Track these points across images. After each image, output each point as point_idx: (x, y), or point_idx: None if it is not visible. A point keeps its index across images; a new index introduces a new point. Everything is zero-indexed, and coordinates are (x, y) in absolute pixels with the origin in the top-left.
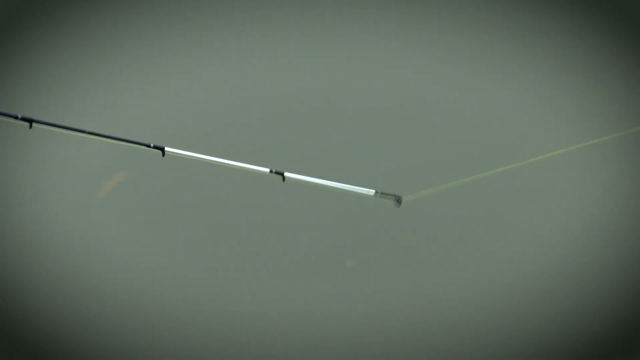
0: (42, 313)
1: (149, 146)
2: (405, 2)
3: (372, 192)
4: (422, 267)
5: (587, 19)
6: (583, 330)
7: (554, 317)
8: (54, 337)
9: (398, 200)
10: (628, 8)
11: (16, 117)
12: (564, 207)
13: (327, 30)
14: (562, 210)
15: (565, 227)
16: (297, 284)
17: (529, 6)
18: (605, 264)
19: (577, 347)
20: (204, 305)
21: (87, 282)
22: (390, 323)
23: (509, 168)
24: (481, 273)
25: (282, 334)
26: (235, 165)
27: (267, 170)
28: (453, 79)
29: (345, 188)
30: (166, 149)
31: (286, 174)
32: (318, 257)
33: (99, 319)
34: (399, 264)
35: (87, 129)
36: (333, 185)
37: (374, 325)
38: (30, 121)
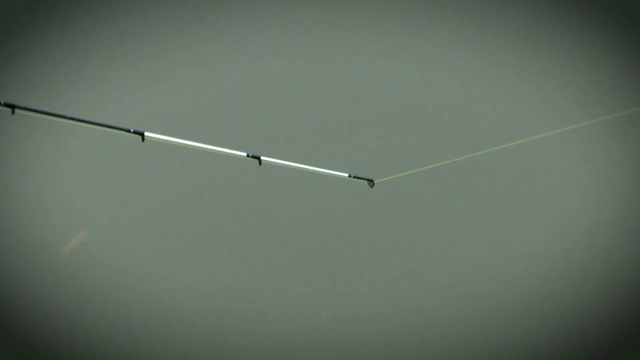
0: (40, 313)
1: (129, 131)
2: None
3: (345, 175)
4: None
5: (582, 13)
6: (578, 332)
7: (550, 319)
8: (47, 336)
9: (371, 183)
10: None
11: None
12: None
13: (303, 20)
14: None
15: (561, 227)
16: (272, 266)
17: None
18: (603, 263)
19: (574, 348)
20: (185, 290)
21: (84, 281)
22: (363, 311)
23: (482, 153)
24: (469, 267)
25: (259, 320)
26: (213, 150)
27: (244, 154)
28: (434, 63)
29: (320, 171)
30: (146, 134)
31: (262, 157)
32: (295, 241)
33: (95, 318)
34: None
35: (69, 115)
36: (309, 169)
37: (347, 312)
38: (12, 107)
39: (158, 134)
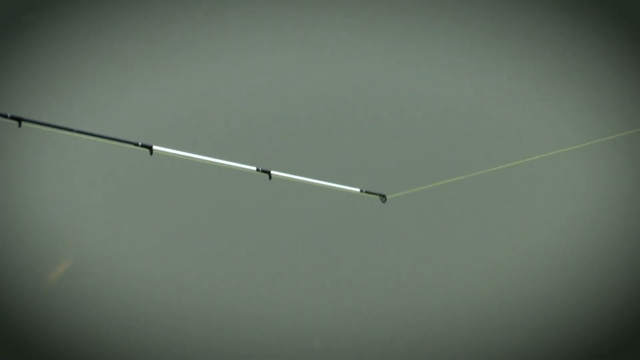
0: (38, 314)
1: (137, 145)
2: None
3: (357, 190)
4: (414, 267)
5: (588, 18)
6: (578, 336)
7: (548, 321)
8: (45, 337)
9: (383, 198)
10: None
11: (5, 116)
12: (558, 206)
13: (322, 29)
14: (556, 209)
15: (559, 228)
16: (284, 280)
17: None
18: (603, 264)
19: (574, 349)
20: (194, 303)
21: (82, 282)
22: (376, 325)
23: (490, 171)
24: (474, 273)
25: (270, 332)
26: (222, 164)
27: (254, 168)
28: (446, 78)
29: (331, 186)
30: (154, 147)
31: (272, 172)
32: (305, 253)
33: (94, 318)
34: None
35: (76, 128)
36: (319, 184)
37: (359, 325)
38: (19, 120)
39: (164, 144)
